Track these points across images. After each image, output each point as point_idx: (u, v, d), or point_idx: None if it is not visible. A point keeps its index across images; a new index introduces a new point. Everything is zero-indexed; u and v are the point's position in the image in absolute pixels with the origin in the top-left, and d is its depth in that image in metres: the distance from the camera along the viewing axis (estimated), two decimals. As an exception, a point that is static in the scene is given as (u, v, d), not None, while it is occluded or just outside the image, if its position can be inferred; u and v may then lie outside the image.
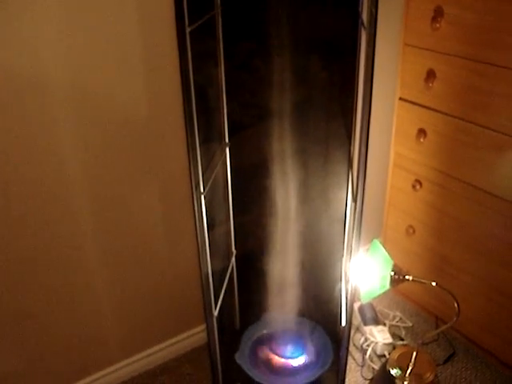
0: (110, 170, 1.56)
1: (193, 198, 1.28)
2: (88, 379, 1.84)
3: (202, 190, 1.28)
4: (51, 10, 1.29)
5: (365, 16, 1.20)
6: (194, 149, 1.22)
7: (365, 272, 1.49)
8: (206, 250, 1.37)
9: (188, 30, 1.10)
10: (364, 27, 1.15)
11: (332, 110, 1.71)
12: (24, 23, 1.26)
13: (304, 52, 1.62)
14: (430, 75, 1.84)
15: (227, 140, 1.62)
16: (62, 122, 1.42)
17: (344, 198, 1.72)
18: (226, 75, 1.54)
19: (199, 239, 1.34)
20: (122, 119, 1.51)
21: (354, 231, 1.28)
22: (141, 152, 1.59)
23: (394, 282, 1.51)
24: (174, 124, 1.60)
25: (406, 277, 1.51)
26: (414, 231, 2.12)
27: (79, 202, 1.54)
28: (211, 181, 1.39)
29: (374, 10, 1.11)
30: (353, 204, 1.36)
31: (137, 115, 1.53)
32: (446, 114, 1.84)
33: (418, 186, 2.03)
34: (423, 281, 1.53)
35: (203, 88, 1.49)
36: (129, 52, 1.44)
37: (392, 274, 1.50)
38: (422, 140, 1.94)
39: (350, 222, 1.72)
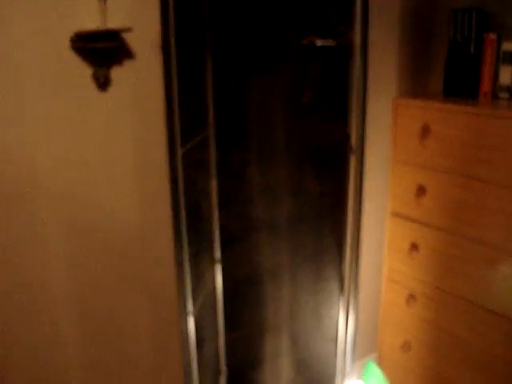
0: (98, 282, 1.53)
1: (181, 317, 1.24)
2: None
3: (190, 309, 1.25)
4: (55, 123, 1.32)
5: (354, 137, 1.23)
6: (182, 271, 1.20)
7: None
8: (193, 369, 1.32)
9: (180, 152, 1.12)
10: (352, 151, 1.17)
11: (324, 224, 1.71)
12: (25, 132, 1.29)
13: (296, 162, 1.65)
14: (420, 190, 1.87)
15: (219, 255, 1.61)
16: (51, 233, 1.41)
17: (336, 315, 1.68)
18: (219, 186, 1.54)
19: (185, 360, 1.29)
20: (113, 232, 1.50)
21: (347, 354, 1.24)
22: (129, 266, 1.57)
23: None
24: (164, 239, 1.59)
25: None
26: (409, 348, 2.05)
27: (65, 312, 1.50)
28: (201, 298, 1.36)
29: (361, 132, 1.14)
30: (345, 325, 1.32)
31: (127, 228, 1.53)
32: (437, 228, 1.84)
33: (412, 301, 1.99)
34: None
35: (195, 201, 1.50)
36: (123, 166, 1.46)
37: (388, 398, 1.44)
38: (414, 254, 1.93)
39: (342, 342, 1.67)
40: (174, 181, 1.13)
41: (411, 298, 1.99)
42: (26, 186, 1.34)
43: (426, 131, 1.81)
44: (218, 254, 1.61)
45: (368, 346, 2.27)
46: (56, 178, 1.38)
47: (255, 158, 1.61)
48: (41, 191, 1.37)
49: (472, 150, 1.68)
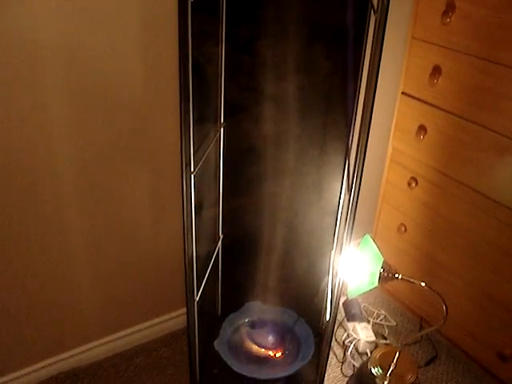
0: (98, 143, 1.51)
1: (182, 176, 1.23)
2: (63, 355, 1.80)
3: (192, 169, 1.23)
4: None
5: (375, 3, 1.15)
6: (187, 126, 1.16)
7: (354, 267, 1.45)
8: (191, 231, 1.33)
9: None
10: (375, 12, 1.10)
11: (332, 99, 1.66)
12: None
13: (307, 38, 1.57)
14: (436, 71, 1.80)
15: (222, 121, 1.57)
16: (51, 89, 1.36)
17: (338, 190, 1.67)
18: (226, 56, 1.48)
19: (185, 220, 1.29)
20: (115, 92, 1.46)
21: (347, 225, 1.24)
22: (132, 127, 1.54)
23: (383, 279, 1.47)
24: (168, 100, 1.55)
25: (396, 275, 1.48)
26: (405, 229, 2.08)
27: (65, 174, 1.49)
28: (202, 161, 1.34)
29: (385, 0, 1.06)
30: (347, 196, 1.31)
31: (131, 88, 1.48)
32: (448, 111, 1.79)
33: (413, 184, 1.99)
34: (413, 280, 1.50)
35: (201, 66, 1.44)
36: (126, 21, 1.39)
37: (381, 271, 1.46)
38: (421, 137, 1.90)
39: (342, 215, 1.68)
40: (182, 34, 1.06)
41: (413, 180, 1.98)
42: (27, 47, 1.28)
43: (450, 8, 1.71)
44: (221, 120, 1.57)
45: (364, 224, 2.30)
46: (56, 34, 1.31)
47: (265, 31, 1.53)
48: (41, 41, 1.30)
49: (498, 32, 1.59)
